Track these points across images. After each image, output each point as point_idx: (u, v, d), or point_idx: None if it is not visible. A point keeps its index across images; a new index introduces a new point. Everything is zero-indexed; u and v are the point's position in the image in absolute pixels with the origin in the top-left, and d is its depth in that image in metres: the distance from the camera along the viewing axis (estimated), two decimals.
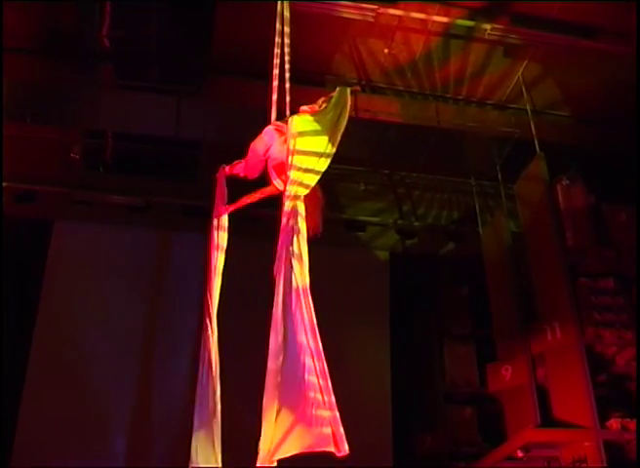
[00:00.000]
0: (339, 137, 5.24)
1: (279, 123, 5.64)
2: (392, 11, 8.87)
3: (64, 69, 9.47)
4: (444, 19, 9.06)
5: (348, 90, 5.62)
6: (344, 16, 8.78)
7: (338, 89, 5.65)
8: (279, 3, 6.44)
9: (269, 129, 5.58)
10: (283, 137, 5.39)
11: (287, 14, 6.40)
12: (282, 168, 5.29)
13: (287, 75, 6.08)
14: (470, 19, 9.11)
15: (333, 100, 5.53)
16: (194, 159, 11.00)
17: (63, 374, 10.23)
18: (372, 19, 8.85)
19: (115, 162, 10.81)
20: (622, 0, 8.68)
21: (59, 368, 10.27)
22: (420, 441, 11.16)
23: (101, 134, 10.53)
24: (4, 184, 10.18)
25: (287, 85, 6.00)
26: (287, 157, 5.01)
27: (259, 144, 5.57)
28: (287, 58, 6.10)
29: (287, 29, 6.17)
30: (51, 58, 9.40)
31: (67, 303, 10.71)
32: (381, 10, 8.78)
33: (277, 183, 5.50)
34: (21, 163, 10.36)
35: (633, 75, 9.00)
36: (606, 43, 9.27)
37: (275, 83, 5.98)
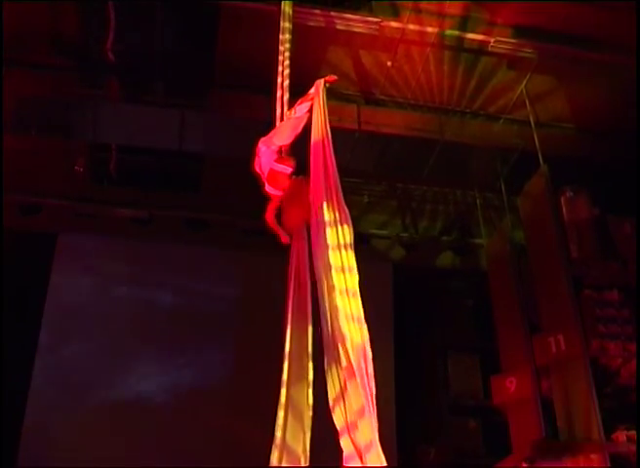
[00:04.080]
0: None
1: (265, 138, 5.73)
2: (395, 24, 8.90)
3: (69, 82, 9.49)
4: (447, 32, 9.08)
5: (317, 82, 5.69)
6: (348, 29, 8.79)
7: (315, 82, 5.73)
8: (281, 13, 6.54)
9: (258, 146, 5.69)
10: (271, 150, 5.54)
11: (289, 25, 6.49)
12: (272, 176, 5.52)
13: (286, 82, 6.15)
14: (474, 31, 9.13)
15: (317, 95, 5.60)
16: (198, 172, 11.03)
17: (67, 382, 10.29)
18: (376, 33, 8.87)
19: (119, 174, 10.84)
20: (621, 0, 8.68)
21: (62, 378, 10.31)
22: (423, 452, 11.12)
23: (106, 146, 10.55)
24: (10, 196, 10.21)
25: (286, 96, 6.07)
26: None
27: (255, 164, 5.70)
28: (287, 70, 6.19)
29: (288, 45, 6.25)
30: (56, 71, 9.42)
31: (71, 315, 10.72)
32: (384, 23, 8.80)
33: (268, 189, 5.66)
34: (26, 175, 10.39)
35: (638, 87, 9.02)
36: (610, 55, 9.28)
37: (279, 92, 6.09)
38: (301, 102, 5.69)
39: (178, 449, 10.07)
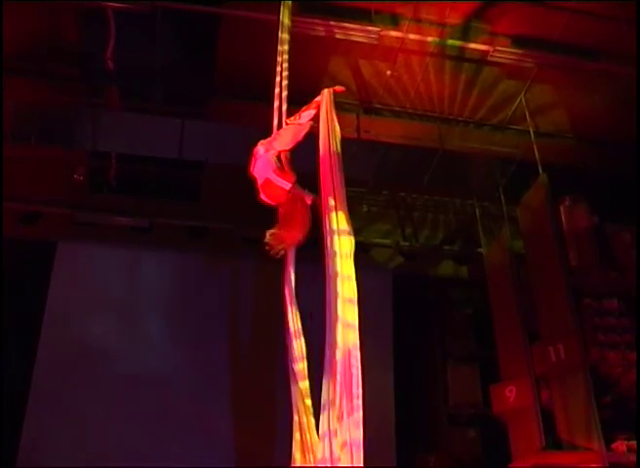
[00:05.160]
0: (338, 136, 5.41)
1: (265, 141, 5.74)
2: (394, 33, 8.92)
3: (69, 91, 9.51)
4: (446, 42, 9.10)
5: (324, 91, 5.70)
6: (348, 38, 8.81)
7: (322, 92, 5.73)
8: (279, 24, 6.55)
9: (257, 148, 5.69)
10: (269, 154, 5.54)
11: (287, 36, 6.49)
12: (267, 186, 5.51)
13: (284, 93, 6.15)
14: (473, 40, 9.15)
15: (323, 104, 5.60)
16: (197, 180, 11.03)
17: (66, 389, 10.26)
18: (375, 42, 8.88)
19: (119, 183, 10.84)
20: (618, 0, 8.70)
21: (61, 382, 10.30)
22: (423, 462, 11.07)
23: (106, 155, 10.56)
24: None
25: (284, 106, 6.07)
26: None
27: (251, 167, 5.68)
28: (285, 76, 6.20)
29: (286, 56, 6.25)
30: (56, 80, 9.44)
31: (70, 324, 10.71)
32: (384, 32, 8.82)
33: (262, 198, 5.64)
34: (26, 184, 10.39)
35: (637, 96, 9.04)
36: (609, 64, 9.30)
37: (277, 103, 6.10)
38: (306, 110, 5.69)
39: (177, 451, 10.09)
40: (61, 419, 10.07)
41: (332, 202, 5.14)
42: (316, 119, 5.63)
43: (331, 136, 5.41)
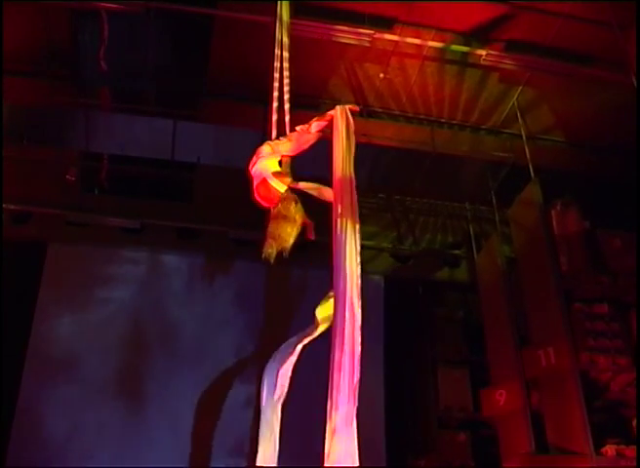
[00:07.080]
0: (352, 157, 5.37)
1: (272, 142, 5.73)
2: (388, 36, 8.92)
3: (62, 91, 9.49)
4: (439, 45, 9.11)
5: (339, 108, 5.68)
6: (341, 41, 8.81)
7: (336, 107, 5.71)
8: (277, 24, 6.53)
9: (262, 147, 5.67)
10: (272, 156, 5.54)
11: (285, 39, 6.48)
12: (262, 185, 5.50)
13: (286, 96, 6.16)
14: (466, 44, 9.16)
15: (338, 123, 5.56)
16: (190, 181, 11.02)
17: (55, 388, 10.30)
18: (368, 44, 8.89)
19: (111, 184, 10.82)
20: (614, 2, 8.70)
21: (51, 383, 10.34)
22: (413, 465, 11.08)
23: (98, 156, 10.54)
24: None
25: (286, 106, 6.08)
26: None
27: (251, 164, 5.67)
28: (286, 80, 6.19)
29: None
30: (49, 80, 9.42)
31: (60, 324, 10.70)
32: (377, 35, 8.82)
33: (256, 196, 5.64)
34: (17, 184, 10.35)
35: (628, 101, 9.03)
36: (600, 70, 9.32)
37: (275, 105, 6.10)
38: (318, 120, 5.69)
39: (170, 451, 10.11)
40: (51, 419, 10.08)
41: (341, 210, 5.11)
42: (324, 130, 5.64)
43: (346, 153, 5.37)
